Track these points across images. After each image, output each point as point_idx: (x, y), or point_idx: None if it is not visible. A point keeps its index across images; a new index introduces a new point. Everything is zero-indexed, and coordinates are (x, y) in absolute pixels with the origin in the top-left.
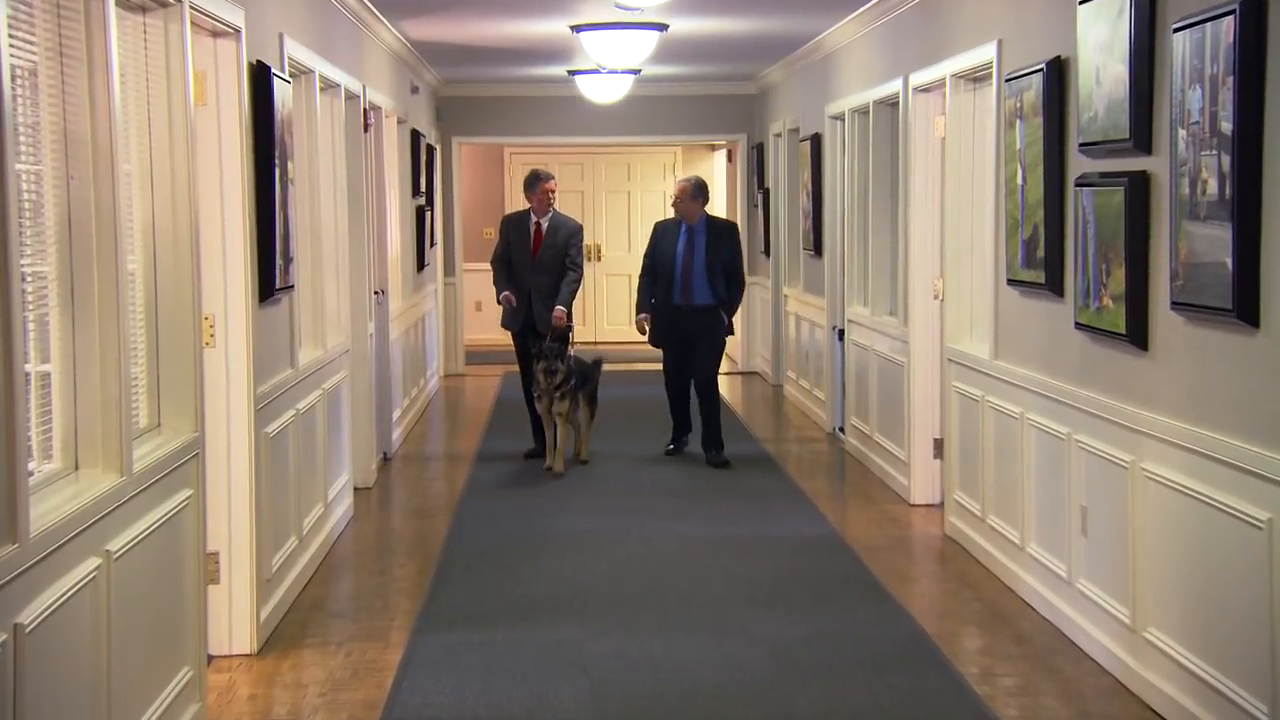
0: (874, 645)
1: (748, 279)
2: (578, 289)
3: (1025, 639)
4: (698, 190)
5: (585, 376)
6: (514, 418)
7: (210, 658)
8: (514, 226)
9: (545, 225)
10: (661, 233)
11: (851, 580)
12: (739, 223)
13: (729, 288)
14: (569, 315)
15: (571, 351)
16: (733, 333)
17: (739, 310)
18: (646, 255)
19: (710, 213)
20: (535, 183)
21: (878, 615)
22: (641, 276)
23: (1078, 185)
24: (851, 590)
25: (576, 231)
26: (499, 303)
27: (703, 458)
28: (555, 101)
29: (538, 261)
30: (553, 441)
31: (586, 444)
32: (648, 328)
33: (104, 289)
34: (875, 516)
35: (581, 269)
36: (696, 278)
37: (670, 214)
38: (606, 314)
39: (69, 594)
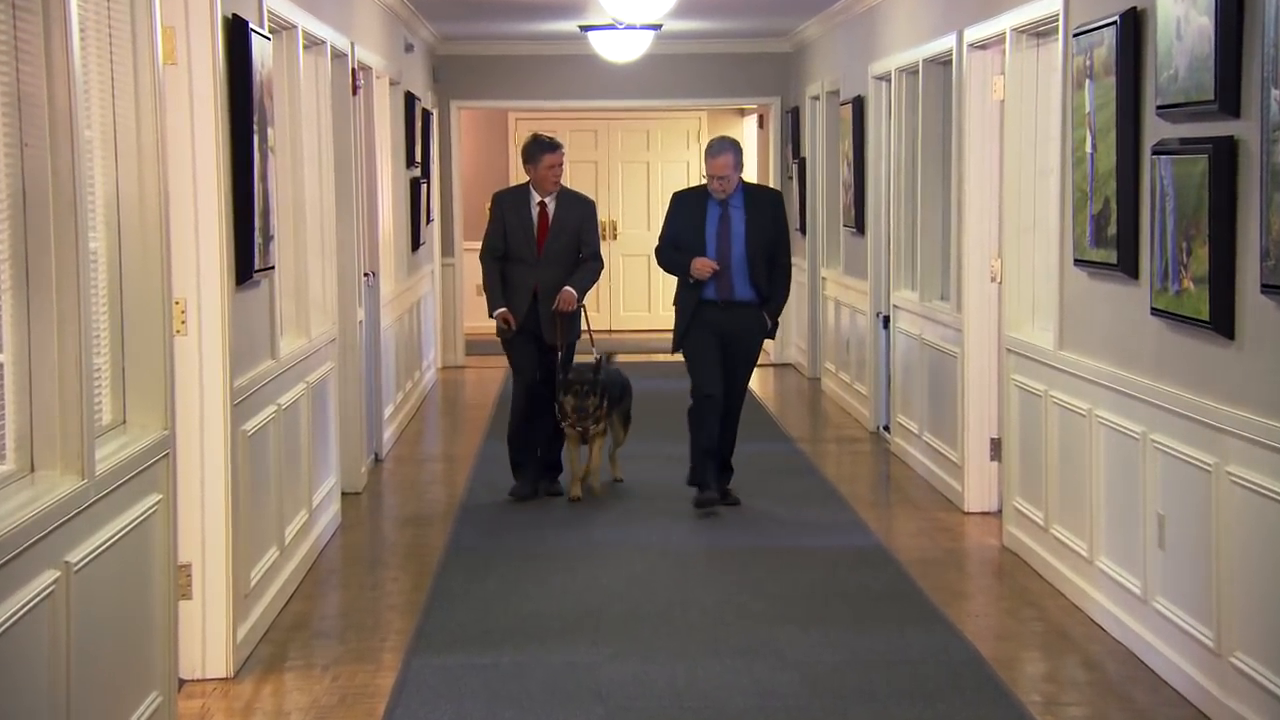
0: (923, 671)
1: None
2: (595, 282)
3: (1094, 664)
4: (737, 156)
5: (621, 391)
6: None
7: (181, 682)
8: (512, 207)
9: (552, 206)
10: (683, 206)
11: (897, 597)
12: None
13: (772, 277)
14: (580, 302)
15: (597, 356)
16: (773, 336)
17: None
18: (663, 235)
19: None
20: (539, 152)
21: (927, 637)
22: (658, 253)
23: (1155, 153)
24: (897, 608)
25: (591, 211)
26: (492, 317)
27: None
28: (566, 61)
29: (545, 253)
30: (581, 470)
31: (616, 462)
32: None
33: (63, 270)
34: (924, 526)
35: (602, 259)
36: (736, 265)
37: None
38: (623, 299)
39: (23, 610)
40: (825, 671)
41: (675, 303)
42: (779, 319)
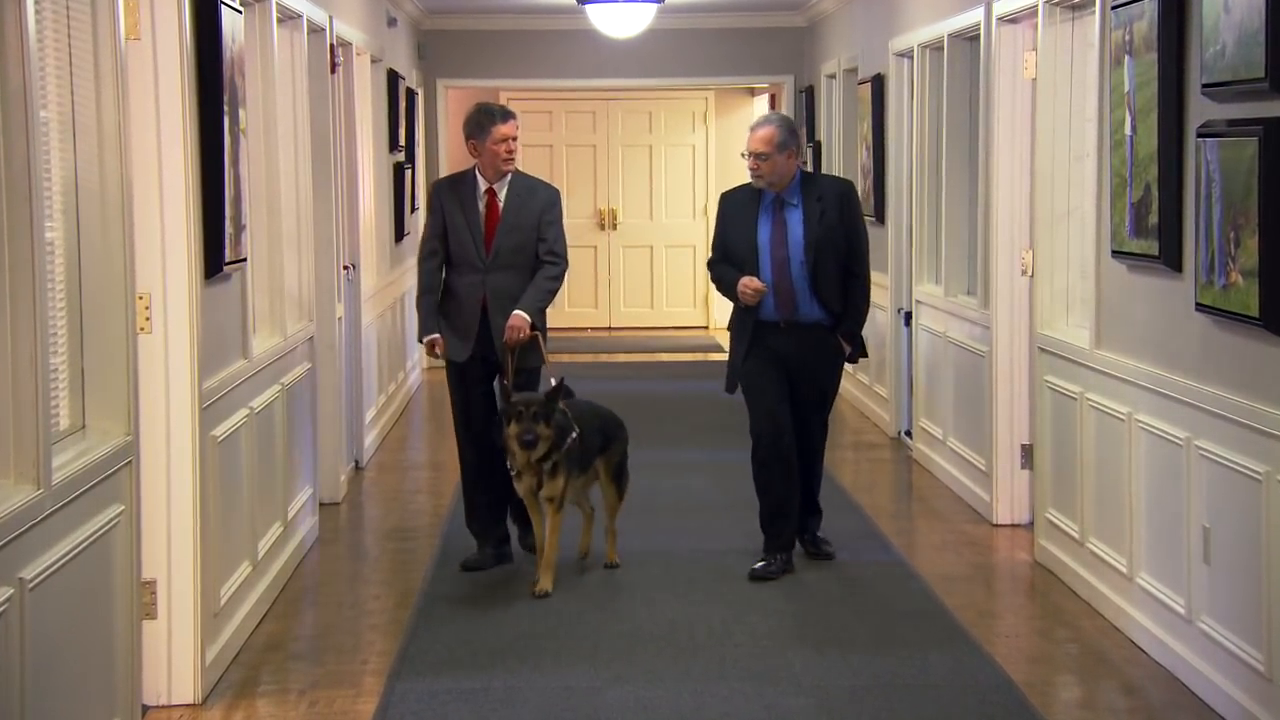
0: (948, 696)
1: None
2: (556, 290)
3: (1134, 689)
4: (787, 133)
5: (604, 434)
6: None
7: (145, 708)
8: (453, 198)
9: (504, 195)
10: (731, 208)
11: (921, 616)
12: None
13: (848, 291)
14: (538, 327)
15: (557, 381)
16: (855, 360)
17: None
18: (714, 245)
19: (805, 168)
20: (487, 123)
21: (953, 659)
22: (710, 268)
23: (1200, 135)
24: (921, 629)
25: (552, 199)
26: (421, 343)
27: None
28: (562, 36)
29: (494, 252)
30: (541, 541)
31: (613, 538)
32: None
33: (16, 262)
34: (950, 539)
35: (566, 259)
36: (797, 280)
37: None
38: (623, 295)
39: None
40: (842, 697)
41: (730, 328)
42: (862, 338)
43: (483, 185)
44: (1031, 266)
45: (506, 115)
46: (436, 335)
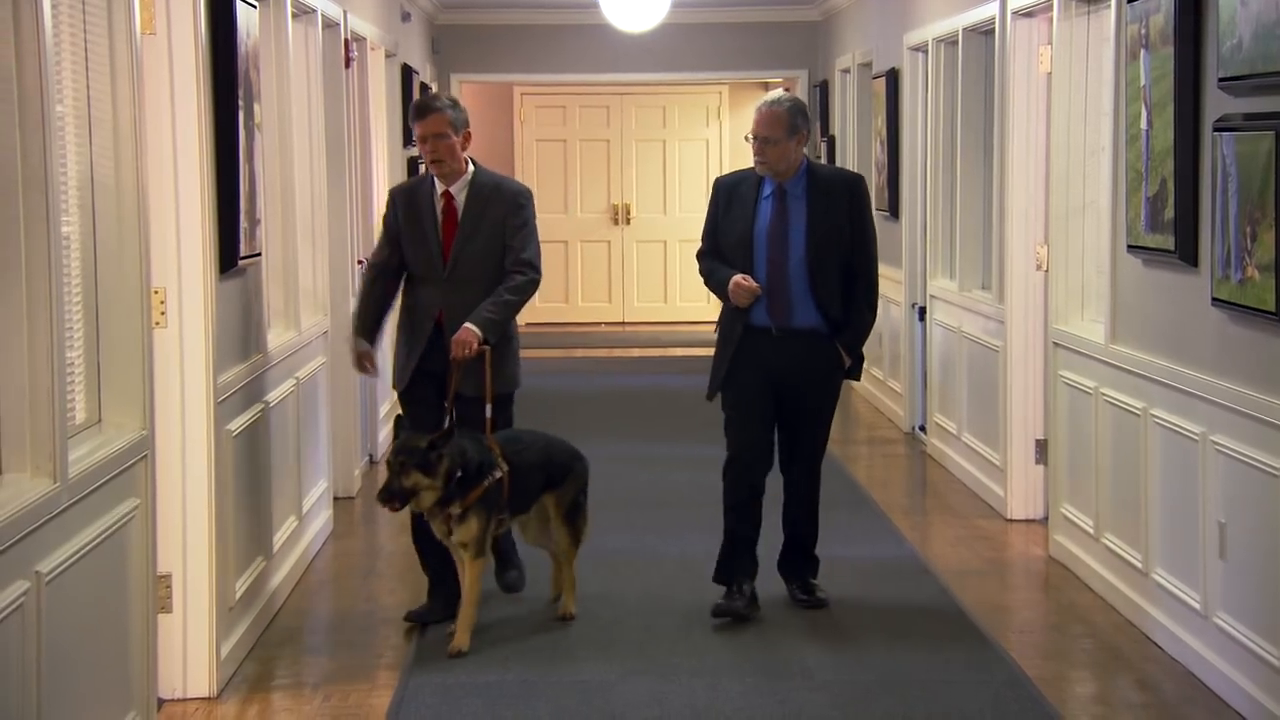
0: (962, 691)
1: None
2: (522, 304)
3: (1149, 684)
4: (795, 118)
5: (552, 472)
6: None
7: (161, 702)
8: (408, 204)
9: (462, 197)
10: (725, 197)
11: (935, 612)
12: None
13: (849, 295)
14: (490, 343)
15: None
16: (856, 376)
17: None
18: (704, 237)
19: (811, 158)
20: (411, 120)
21: (967, 655)
22: (699, 259)
23: (1216, 129)
24: (935, 624)
25: (519, 202)
26: (356, 366)
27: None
28: (576, 31)
29: (453, 262)
30: (454, 591)
31: (570, 587)
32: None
33: (33, 257)
34: (964, 534)
35: (538, 269)
36: (794, 280)
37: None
38: (638, 289)
39: None
40: (856, 693)
41: (717, 330)
42: (861, 353)
43: (439, 188)
44: (1046, 261)
45: (423, 110)
46: (368, 347)
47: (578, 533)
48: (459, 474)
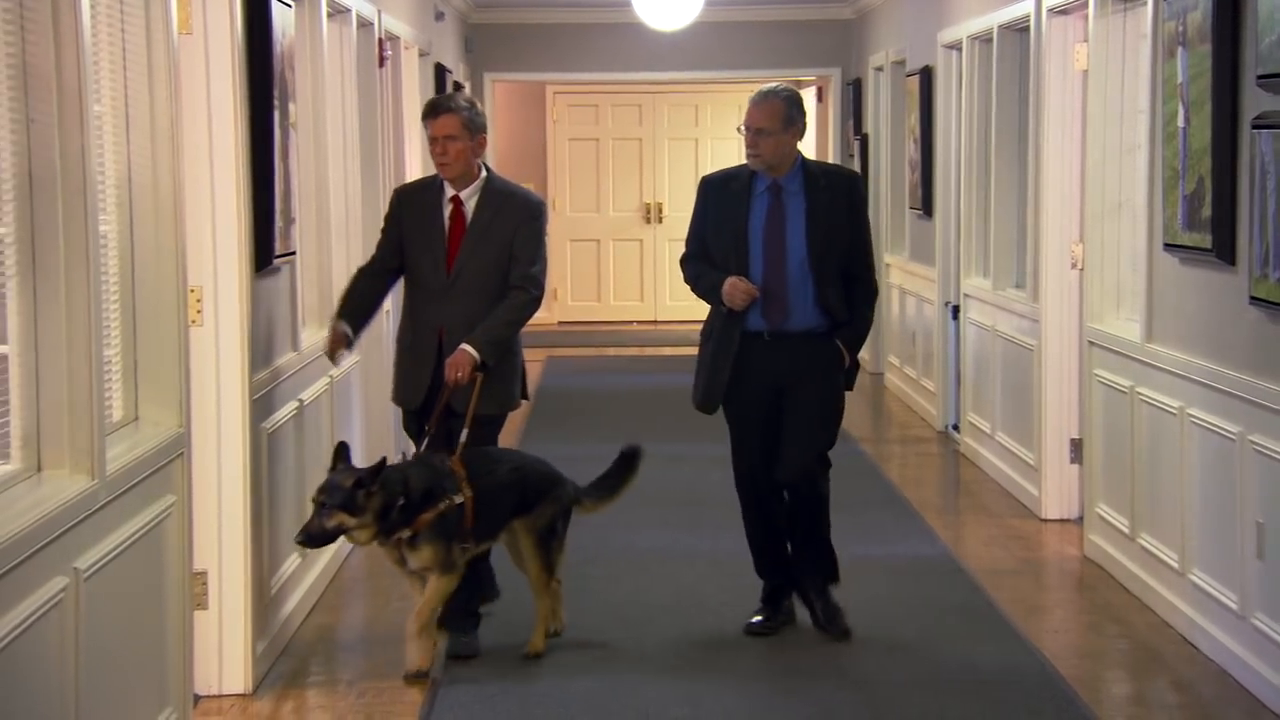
0: (997, 692)
1: None
2: (522, 325)
3: (1186, 685)
4: (791, 109)
5: (525, 495)
6: (560, 409)
7: (197, 698)
8: (413, 207)
9: (472, 204)
10: (715, 196)
11: (968, 611)
12: None
13: (851, 298)
14: (485, 366)
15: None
16: (851, 381)
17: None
18: (691, 236)
19: (808, 155)
20: (423, 119)
21: (1001, 655)
22: (684, 264)
23: (1255, 127)
24: (969, 624)
25: (533, 213)
26: (327, 349)
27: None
28: (608, 29)
29: (456, 272)
30: (417, 626)
31: (542, 620)
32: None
33: (71, 256)
34: (998, 534)
35: (541, 287)
36: (793, 281)
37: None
38: (670, 289)
39: (29, 620)
40: (890, 692)
41: (702, 335)
42: (858, 360)
43: (448, 192)
44: (1082, 260)
45: (435, 109)
46: (347, 329)
47: (550, 561)
48: (401, 502)
